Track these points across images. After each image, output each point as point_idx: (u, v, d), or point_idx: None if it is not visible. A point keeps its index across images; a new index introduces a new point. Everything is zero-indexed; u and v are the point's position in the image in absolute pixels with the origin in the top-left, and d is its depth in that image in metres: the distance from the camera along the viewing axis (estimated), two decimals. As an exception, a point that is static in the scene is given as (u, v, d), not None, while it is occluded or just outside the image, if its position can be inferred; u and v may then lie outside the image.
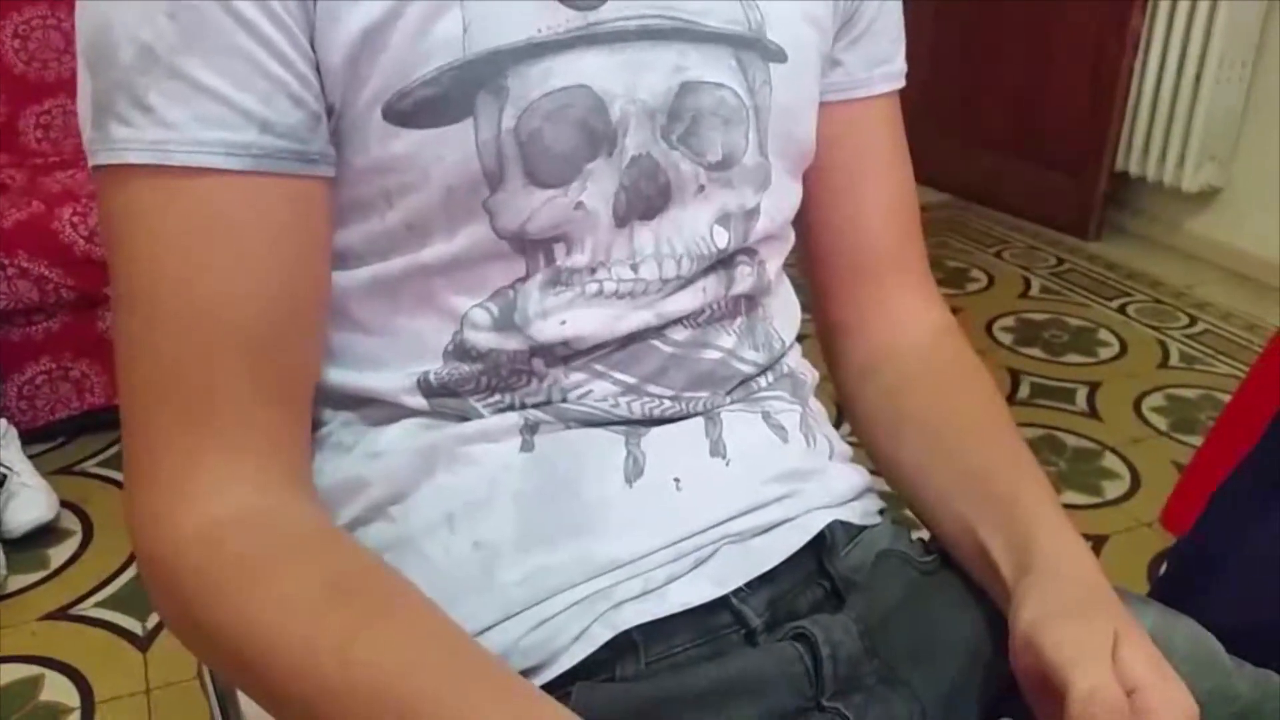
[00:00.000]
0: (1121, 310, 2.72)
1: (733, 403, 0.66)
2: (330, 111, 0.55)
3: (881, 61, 0.72)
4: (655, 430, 0.63)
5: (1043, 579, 0.58)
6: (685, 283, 0.63)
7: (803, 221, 0.72)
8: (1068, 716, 0.50)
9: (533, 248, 0.59)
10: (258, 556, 0.53)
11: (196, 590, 0.53)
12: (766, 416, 0.67)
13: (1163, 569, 1.19)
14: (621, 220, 0.60)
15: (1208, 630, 0.65)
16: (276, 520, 0.54)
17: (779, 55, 0.63)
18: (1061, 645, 0.53)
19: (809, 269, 0.77)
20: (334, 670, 0.49)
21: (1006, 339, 2.55)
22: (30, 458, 1.87)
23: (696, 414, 0.64)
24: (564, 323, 0.60)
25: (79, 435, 2.05)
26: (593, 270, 0.60)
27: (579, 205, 0.58)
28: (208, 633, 0.53)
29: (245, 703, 0.73)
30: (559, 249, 0.59)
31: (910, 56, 0.74)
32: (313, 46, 0.53)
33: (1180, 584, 1.04)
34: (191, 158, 0.51)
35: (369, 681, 0.48)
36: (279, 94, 0.52)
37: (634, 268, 0.61)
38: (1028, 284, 2.88)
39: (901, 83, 0.74)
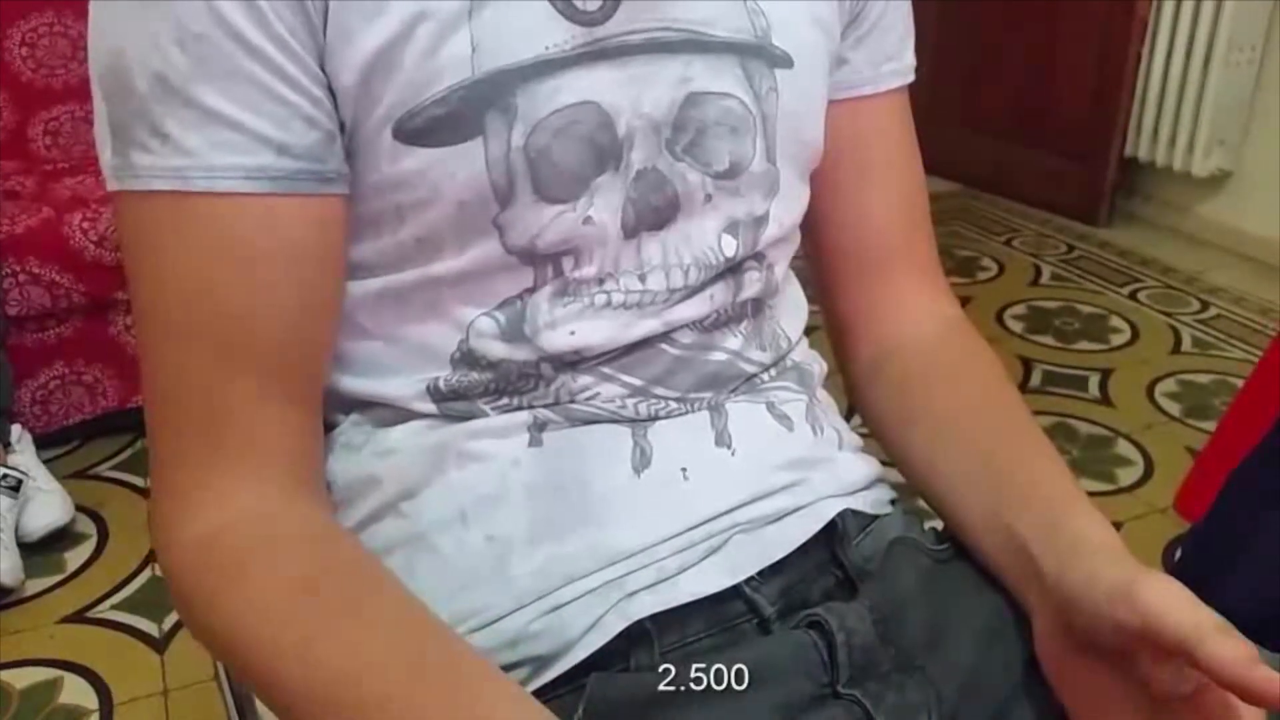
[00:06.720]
0: (1133, 296, 2.71)
1: (737, 395, 0.66)
2: (342, 129, 0.55)
3: (889, 58, 0.72)
4: (661, 423, 0.63)
5: (1095, 549, 0.55)
6: (693, 291, 0.63)
7: (810, 217, 0.72)
8: (1226, 674, 0.47)
9: (541, 261, 0.59)
10: (239, 560, 0.54)
11: (193, 595, 0.55)
12: (771, 407, 0.67)
13: (1177, 555, 1.19)
14: (630, 232, 0.60)
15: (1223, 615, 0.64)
16: (268, 524, 0.55)
17: (785, 61, 0.63)
18: (1170, 601, 0.50)
19: (816, 264, 0.77)
20: (295, 672, 0.50)
21: (1018, 327, 2.55)
22: (45, 462, 1.87)
23: (701, 410, 0.64)
24: (573, 333, 0.60)
25: (93, 439, 2.06)
26: (601, 281, 0.60)
27: (587, 220, 0.59)
28: (205, 635, 0.55)
29: (262, 703, 0.74)
30: (567, 261, 0.59)
31: (915, 44, 0.74)
32: (324, 68, 0.53)
33: (1195, 570, 1.04)
34: (209, 183, 0.52)
35: (325, 684, 0.50)
36: (293, 117, 0.53)
37: (641, 278, 0.61)
38: (1038, 272, 2.87)
39: (910, 78, 0.74)
